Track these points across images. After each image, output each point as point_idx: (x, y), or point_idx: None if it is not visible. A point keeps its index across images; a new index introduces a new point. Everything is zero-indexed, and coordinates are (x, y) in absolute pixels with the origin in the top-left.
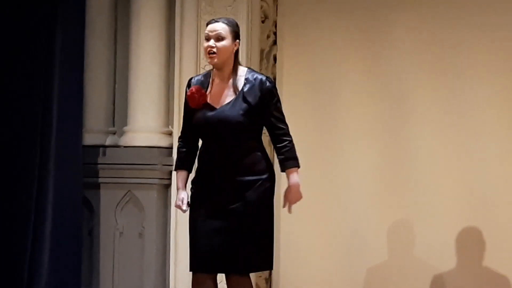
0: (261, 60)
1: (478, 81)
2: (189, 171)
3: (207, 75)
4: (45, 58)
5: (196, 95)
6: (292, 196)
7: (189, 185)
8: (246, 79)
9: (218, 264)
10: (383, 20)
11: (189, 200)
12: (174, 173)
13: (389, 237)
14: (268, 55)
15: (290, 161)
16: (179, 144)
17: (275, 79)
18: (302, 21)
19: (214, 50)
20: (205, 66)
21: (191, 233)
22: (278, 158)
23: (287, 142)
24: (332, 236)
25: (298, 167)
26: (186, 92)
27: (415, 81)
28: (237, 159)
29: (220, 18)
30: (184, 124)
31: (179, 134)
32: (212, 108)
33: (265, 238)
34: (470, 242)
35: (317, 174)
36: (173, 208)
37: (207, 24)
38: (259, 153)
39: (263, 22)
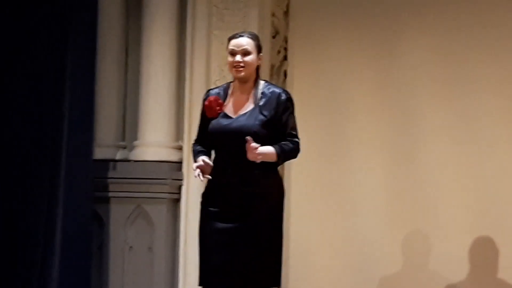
0: (271, 75)
1: (489, 93)
2: (209, 156)
3: (226, 87)
4: (56, 72)
5: (213, 104)
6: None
7: (198, 199)
8: (262, 92)
9: (229, 281)
10: (394, 34)
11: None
12: (183, 188)
13: (401, 249)
14: (278, 71)
15: (279, 147)
16: (193, 145)
17: None
18: (313, 36)
19: (242, 64)
20: (216, 81)
21: (201, 247)
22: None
23: (292, 143)
24: (342, 249)
25: (277, 157)
26: (203, 102)
27: (426, 93)
28: (249, 170)
29: (243, 33)
30: (199, 132)
31: (193, 141)
32: (229, 118)
33: (274, 253)
34: (482, 253)
35: (327, 186)
36: (182, 222)
37: (230, 39)
38: (270, 167)
39: (273, 37)
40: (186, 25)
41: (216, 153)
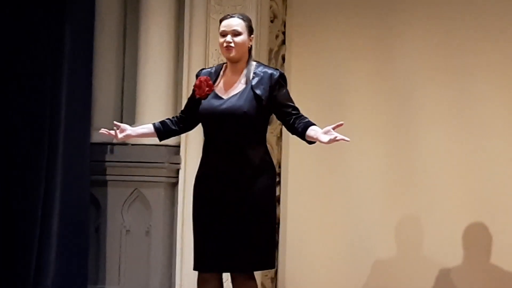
0: (269, 59)
1: (485, 80)
2: (156, 131)
3: (218, 68)
4: (54, 56)
5: (203, 84)
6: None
7: (192, 181)
8: (254, 73)
9: (223, 264)
10: (392, 20)
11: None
12: (181, 172)
13: (396, 236)
14: (276, 55)
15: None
16: (173, 117)
17: None
18: (311, 21)
19: (232, 44)
20: (214, 65)
21: (194, 231)
22: (302, 125)
23: (307, 118)
24: (338, 235)
25: None
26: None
27: (423, 80)
28: (240, 151)
29: (234, 14)
30: (184, 107)
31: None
32: (220, 98)
33: (267, 236)
34: (478, 240)
35: (324, 173)
36: (180, 206)
37: (222, 20)
38: (262, 149)
39: (272, 21)
40: (184, 8)
41: (206, 134)
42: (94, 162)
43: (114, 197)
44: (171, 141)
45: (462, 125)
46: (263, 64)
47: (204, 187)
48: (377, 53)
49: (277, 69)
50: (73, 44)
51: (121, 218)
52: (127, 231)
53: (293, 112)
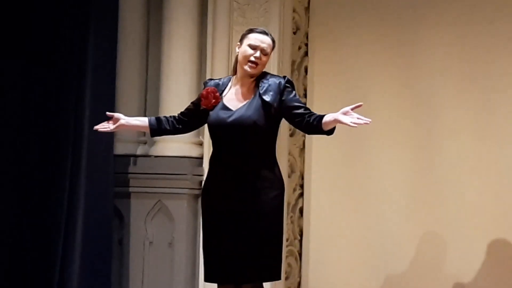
0: (292, 71)
1: (510, 87)
2: (150, 127)
3: (226, 81)
4: (77, 68)
5: (210, 95)
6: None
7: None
8: (261, 81)
9: (231, 275)
10: (415, 30)
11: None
12: (203, 181)
13: (418, 251)
14: (299, 67)
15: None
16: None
17: (305, 90)
18: (334, 32)
19: (258, 62)
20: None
21: (204, 242)
22: (317, 117)
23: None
24: (361, 247)
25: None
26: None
27: (447, 89)
28: (249, 163)
29: (266, 30)
30: (185, 111)
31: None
32: (229, 110)
33: (274, 246)
34: (501, 254)
35: (346, 186)
36: None
37: (252, 31)
38: (271, 160)
39: (294, 33)
40: (207, 20)
41: (215, 145)
42: (118, 174)
43: (137, 209)
44: (194, 152)
45: (487, 138)
46: (269, 73)
47: (213, 199)
48: (400, 64)
49: (284, 76)
50: (96, 57)
51: (144, 230)
52: (150, 243)
53: (305, 111)
